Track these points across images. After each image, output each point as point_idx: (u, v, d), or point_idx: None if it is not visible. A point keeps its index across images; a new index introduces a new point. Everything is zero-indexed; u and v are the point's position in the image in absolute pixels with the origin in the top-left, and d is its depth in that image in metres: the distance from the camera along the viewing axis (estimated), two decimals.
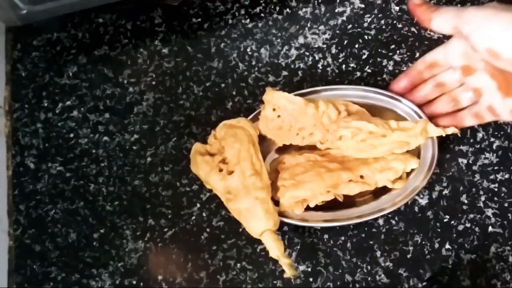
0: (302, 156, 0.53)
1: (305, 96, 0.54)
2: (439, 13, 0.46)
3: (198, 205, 0.55)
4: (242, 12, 0.61)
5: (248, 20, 0.60)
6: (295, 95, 0.53)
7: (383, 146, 0.51)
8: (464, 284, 0.50)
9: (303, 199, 0.51)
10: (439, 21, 0.46)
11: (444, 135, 0.51)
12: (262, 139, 0.54)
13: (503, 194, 0.52)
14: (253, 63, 0.59)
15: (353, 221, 0.51)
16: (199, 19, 0.61)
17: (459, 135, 0.53)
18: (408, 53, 0.57)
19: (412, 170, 0.51)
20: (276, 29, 0.60)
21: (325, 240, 0.53)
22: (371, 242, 0.52)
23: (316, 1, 0.60)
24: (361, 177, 0.51)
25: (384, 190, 0.51)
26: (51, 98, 0.60)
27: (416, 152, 0.52)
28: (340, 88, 0.54)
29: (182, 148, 0.57)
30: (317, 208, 0.51)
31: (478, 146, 0.53)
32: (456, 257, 0.50)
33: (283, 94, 0.52)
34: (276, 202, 0.51)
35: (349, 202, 0.51)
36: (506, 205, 0.51)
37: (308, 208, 0.51)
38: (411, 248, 0.51)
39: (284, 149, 0.54)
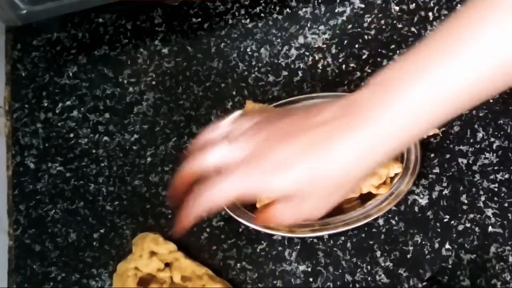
0: None
1: (284, 106, 0.54)
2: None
3: None
4: (242, 12, 0.61)
5: (248, 20, 0.60)
6: (275, 106, 0.53)
7: None
8: (464, 284, 0.50)
9: None
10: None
11: (425, 136, 0.51)
12: None
13: (503, 194, 0.52)
14: (253, 63, 0.59)
15: (339, 229, 0.51)
16: (199, 19, 0.61)
17: (441, 134, 0.53)
18: None
19: (396, 174, 0.51)
20: (276, 29, 0.60)
21: (325, 240, 0.53)
22: (371, 242, 0.52)
23: (316, 1, 0.60)
24: None
25: (370, 196, 0.52)
26: (51, 98, 0.60)
27: (399, 155, 0.52)
28: (319, 96, 0.54)
29: (182, 148, 0.57)
30: None
31: (478, 146, 0.53)
32: (456, 257, 0.50)
33: (263, 106, 0.52)
34: None
35: (337, 209, 0.51)
36: (506, 205, 0.51)
37: None
38: (411, 248, 0.51)
39: None
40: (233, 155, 0.39)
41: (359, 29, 0.58)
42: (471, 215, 0.51)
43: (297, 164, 0.37)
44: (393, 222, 0.52)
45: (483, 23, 0.33)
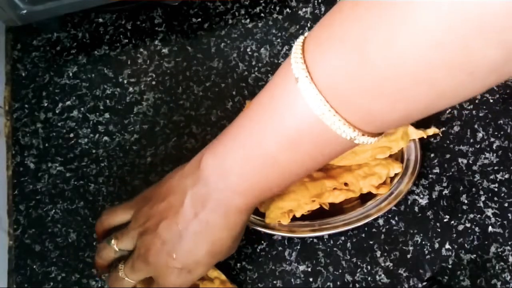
0: None
1: None
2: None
3: None
4: (242, 12, 0.61)
5: (248, 20, 0.60)
6: None
7: (365, 153, 0.51)
8: (464, 284, 0.50)
9: (289, 210, 0.51)
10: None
11: (425, 136, 0.52)
12: None
13: (503, 194, 0.52)
14: (253, 63, 0.59)
15: (339, 229, 0.51)
16: (199, 19, 0.61)
17: (441, 134, 0.53)
18: None
19: (396, 174, 0.51)
20: (276, 29, 0.60)
21: (325, 240, 0.53)
22: (371, 242, 0.52)
23: (316, 1, 0.60)
24: (345, 184, 0.51)
25: (370, 196, 0.52)
26: (51, 98, 0.60)
27: (399, 155, 0.52)
28: None
29: (182, 148, 0.57)
30: (304, 217, 0.51)
31: (478, 146, 0.53)
32: (456, 257, 0.50)
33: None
34: (262, 215, 0.51)
35: (337, 209, 0.52)
36: (506, 205, 0.51)
37: (295, 218, 0.51)
38: (411, 248, 0.51)
39: None
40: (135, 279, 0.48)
41: None
42: (471, 215, 0.51)
43: (171, 272, 0.45)
44: (393, 222, 0.52)
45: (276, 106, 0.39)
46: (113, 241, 0.48)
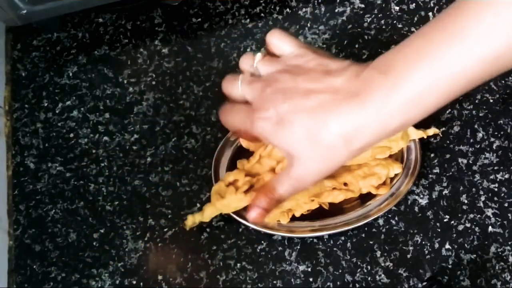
0: None
1: None
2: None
3: (198, 205, 0.55)
4: (242, 12, 0.61)
5: (248, 20, 0.60)
6: None
7: (365, 153, 0.51)
8: (464, 284, 0.50)
9: (288, 209, 0.51)
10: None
11: (425, 136, 0.52)
12: (246, 151, 0.54)
13: (503, 194, 0.52)
14: None
15: (339, 229, 0.51)
16: (199, 19, 0.61)
17: (441, 134, 0.53)
18: None
19: (396, 174, 0.51)
20: None
21: (325, 240, 0.53)
22: (371, 242, 0.52)
23: (316, 1, 0.60)
24: (345, 184, 0.51)
25: (370, 196, 0.52)
26: (51, 98, 0.60)
27: (399, 155, 0.52)
28: None
29: (182, 148, 0.57)
30: (304, 217, 0.51)
31: (478, 146, 0.53)
32: (456, 257, 0.50)
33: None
34: None
35: (337, 209, 0.52)
36: (506, 205, 0.51)
37: (295, 218, 0.51)
38: (411, 248, 0.51)
39: None
40: (245, 95, 0.44)
41: (359, 29, 0.58)
42: (471, 215, 0.51)
43: (297, 121, 0.40)
44: (393, 222, 0.52)
45: (481, 11, 0.36)
46: (261, 52, 0.45)
